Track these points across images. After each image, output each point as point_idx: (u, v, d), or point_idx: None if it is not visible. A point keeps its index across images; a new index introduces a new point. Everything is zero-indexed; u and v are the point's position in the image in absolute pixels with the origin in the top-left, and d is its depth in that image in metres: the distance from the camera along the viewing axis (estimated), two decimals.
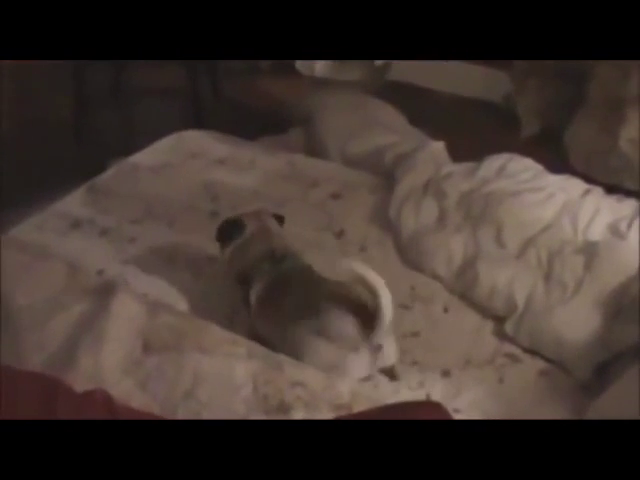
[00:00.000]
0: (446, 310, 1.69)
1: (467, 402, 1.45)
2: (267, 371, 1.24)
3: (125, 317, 1.40)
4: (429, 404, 1.22)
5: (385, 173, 2.04)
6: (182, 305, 1.59)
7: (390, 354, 1.41)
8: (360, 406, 1.17)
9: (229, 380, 1.25)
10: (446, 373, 1.52)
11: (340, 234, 1.87)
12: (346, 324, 1.35)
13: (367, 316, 1.35)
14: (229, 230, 1.59)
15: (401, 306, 1.65)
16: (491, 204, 1.81)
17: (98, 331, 1.37)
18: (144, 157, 2.11)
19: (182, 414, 1.22)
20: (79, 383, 1.25)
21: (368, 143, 2.14)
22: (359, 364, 1.35)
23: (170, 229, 1.88)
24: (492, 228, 1.77)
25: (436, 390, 1.47)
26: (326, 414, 1.17)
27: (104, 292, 1.47)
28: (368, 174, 2.06)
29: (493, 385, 1.51)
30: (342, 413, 1.16)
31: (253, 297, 1.47)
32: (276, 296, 1.45)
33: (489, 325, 1.66)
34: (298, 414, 1.18)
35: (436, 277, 1.76)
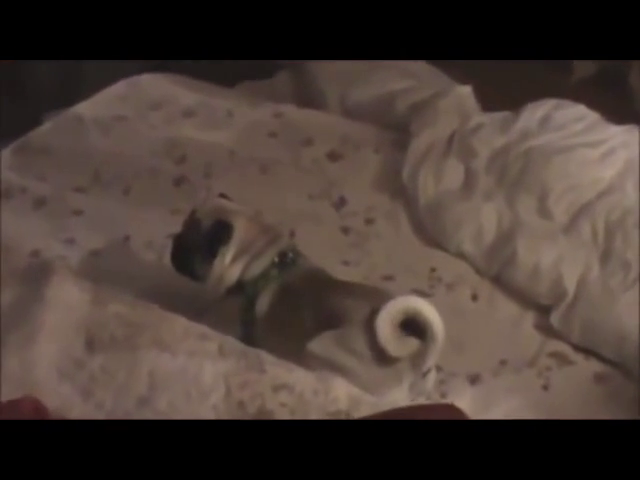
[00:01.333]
0: (475, 298, 1.68)
1: (502, 416, 1.44)
2: (244, 371, 1.24)
3: (63, 306, 1.39)
4: (443, 406, 1.25)
5: (397, 126, 2.03)
6: (136, 293, 1.58)
7: (430, 378, 1.40)
8: (360, 414, 1.17)
9: (195, 383, 1.24)
10: (475, 379, 1.52)
11: (340, 204, 1.87)
12: (383, 341, 1.32)
13: (404, 326, 1.33)
14: (217, 238, 1.45)
15: (417, 293, 1.63)
16: (533, 164, 1.80)
17: (29, 324, 1.36)
18: (90, 108, 2.08)
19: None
20: (3, 389, 1.24)
21: (375, 89, 2.13)
22: (402, 394, 1.35)
23: (125, 199, 1.87)
24: (534, 194, 1.76)
25: (462, 400, 1.45)
26: None
27: (37, 276, 1.45)
28: (375, 128, 2.05)
29: (535, 393, 1.51)
30: None
31: (259, 310, 1.44)
32: (289, 307, 1.42)
33: (530, 317, 1.66)
34: None
35: (462, 256, 1.75)
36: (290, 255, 1.47)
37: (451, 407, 1.18)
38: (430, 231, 1.81)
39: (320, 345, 1.35)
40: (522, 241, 1.71)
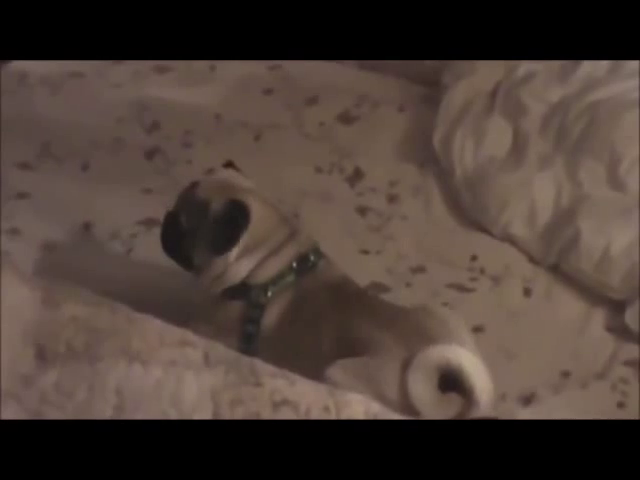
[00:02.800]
0: (528, 292, 1.69)
1: None
2: (236, 385, 1.24)
3: (7, 310, 1.40)
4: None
5: (425, 78, 2.05)
6: (99, 293, 1.59)
7: None
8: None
9: (174, 401, 1.25)
10: (530, 398, 1.53)
11: (355, 177, 1.89)
12: (417, 403, 1.31)
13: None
14: (234, 223, 1.42)
15: (456, 286, 1.66)
16: (599, 122, 1.80)
17: None
18: (34, 63, 2.08)
19: None
20: None
21: None
22: None
23: (83, 177, 1.89)
24: (601, 160, 1.77)
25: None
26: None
27: None
28: (398, 81, 2.07)
29: (608, 411, 1.51)
30: None
31: (266, 322, 1.44)
32: (304, 323, 1.42)
33: (599, 315, 1.66)
34: None
35: (511, 241, 1.76)
36: (312, 258, 1.45)
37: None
38: (469, 210, 1.82)
39: (341, 372, 1.34)
40: (587, 220, 1.71)
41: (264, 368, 1.28)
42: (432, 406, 1.30)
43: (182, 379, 1.27)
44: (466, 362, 1.30)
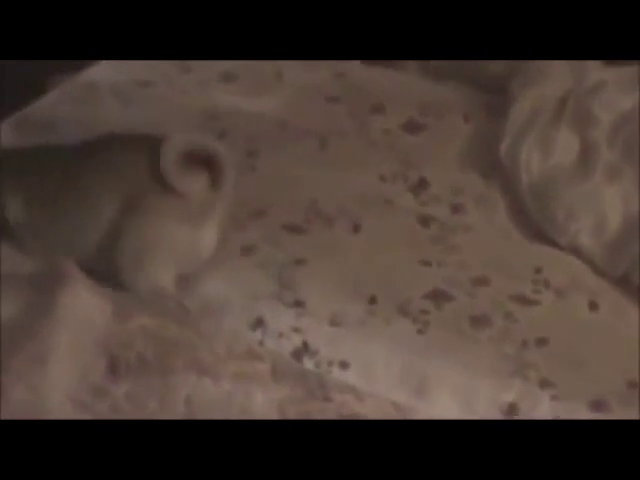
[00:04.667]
0: (594, 307, 1.67)
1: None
2: (304, 400, 1.26)
3: (79, 321, 1.42)
4: None
5: (492, 87, 2.04)
6: (171, 303, 1.61)
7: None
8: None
9: (242, 414, 1.26)
10: (597, 404, 1.50)
11: (419, 186, 1.88)
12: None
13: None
14: None
15: (519, 298, 1.65)
16: None
17: (37, 343, 1.38)
18: (106, 72, 2.13)
19: None
20: None
21: None
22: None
23: None
24: None
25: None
26: None
27: (45, 284, 1.49)
28: (464, 90, 2.06)
29: None
30: None
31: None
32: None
33: None
34: None
35: (577, 252, 1.75)
36: None
37: None
38: (535, 220, 1.80)
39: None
40: None
41: (332, 382, 1.29)
42: (180, 177, 1.56)
43: (250, 392, 1.29)
44: (211, 141, 1.60)
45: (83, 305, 1.46)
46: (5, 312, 1.46)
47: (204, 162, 1.58)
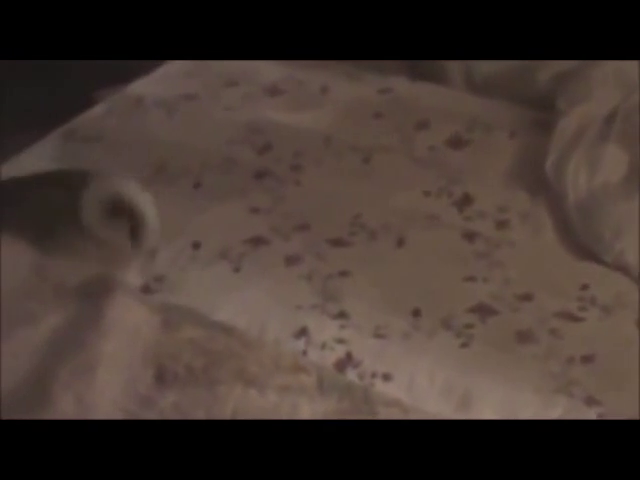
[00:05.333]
0: None
1: None
2: (349, 413, 1.26)
3: (127, 331, 1.44)
4: None
5: (539, 103, 2.03)
6: (219, 313, 1.61)
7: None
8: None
9: None
10: None
11: (464, 202, 1.88)
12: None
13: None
14: None
15: (564, 315, 1.63)
16: None
17: (85, 353, 1.41)
18: (151, 86, 2.17)
19: None
20: None
21: None
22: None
23: (194, 196, 1.91)
24: None
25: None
26: None
27: (93, 294, 1.51)
28: (510, 106, 2.06)
29: None
30: None
31: None
32: None
33: None
34: None
35: (625, 269, 1.73)
36: None
37: None
38: (581, 237, 1.79)
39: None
40: None
41: (378, 395, 1.28)
42: (101, 227, 1.60)
43: (296, 405, 1.29)
44: (134, 191, 1.62)
45: (131, 316, 1.48)
46: (54, 322, 1.47)
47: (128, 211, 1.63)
